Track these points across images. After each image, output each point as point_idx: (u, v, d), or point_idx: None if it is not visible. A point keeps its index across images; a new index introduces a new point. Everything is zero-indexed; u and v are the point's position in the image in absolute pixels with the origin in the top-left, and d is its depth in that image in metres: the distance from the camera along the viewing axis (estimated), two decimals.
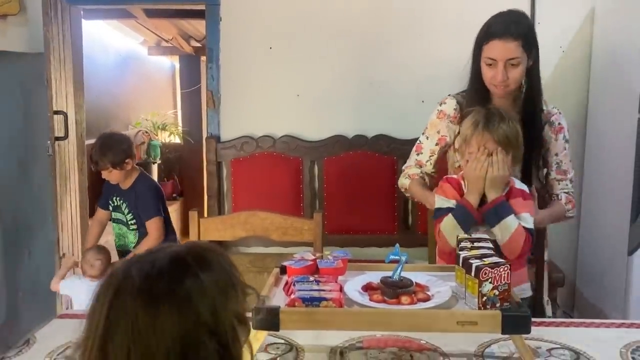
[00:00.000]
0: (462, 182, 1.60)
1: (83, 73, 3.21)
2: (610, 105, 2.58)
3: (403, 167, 1.94)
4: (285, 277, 1.29)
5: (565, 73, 2.84)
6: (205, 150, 2.97)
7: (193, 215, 1.83)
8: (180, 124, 5.84)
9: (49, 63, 2.84)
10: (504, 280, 1.09)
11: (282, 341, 1.34)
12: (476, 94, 1.78)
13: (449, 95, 1.88)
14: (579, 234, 2.85)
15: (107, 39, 4.84)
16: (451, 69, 2.88)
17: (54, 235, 2.92)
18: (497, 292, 1.09)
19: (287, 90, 2.92)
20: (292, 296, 1.14)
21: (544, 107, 1.81)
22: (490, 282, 1.09)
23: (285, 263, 1.30)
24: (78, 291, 2.26)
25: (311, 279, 1.20)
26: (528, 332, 1.10)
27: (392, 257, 1.22)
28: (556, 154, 1.81)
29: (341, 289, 1.18)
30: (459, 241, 1.27)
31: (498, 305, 1.10)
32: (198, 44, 5.36)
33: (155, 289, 0.66)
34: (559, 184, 1.82)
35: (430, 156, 1.87)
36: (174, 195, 5.42)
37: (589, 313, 2.66)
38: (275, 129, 2.93)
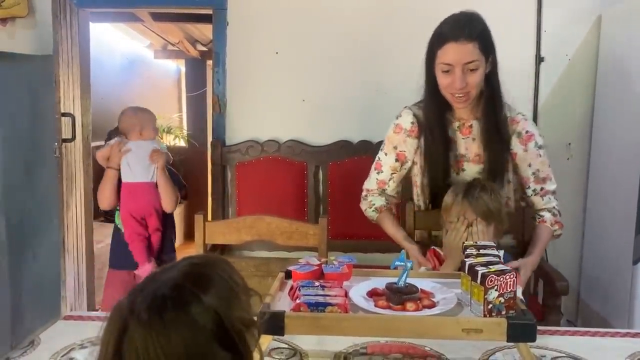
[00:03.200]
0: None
1: (90, 75, 3.22)
2: (616, 113, 2.57)
3: (364, 187, 1.85)
4: (290, 282, 1.29)
5: (571, 81, 2.84)
6: (210, 154, 2.97)
7: (199, 218, 1.83)
8: (185, 127, 5.87)
9: (57, 65, 2.85)
10: (509, 288, 1.09)
11: (286, 346, 1.34)
12: (433, 104, 1.68)
13: (405, 107, 1.80)
14: (583, 241, 2.85)
15: (113, 42, 4.87)
16: None
17: (59, 236, 2.93)
18: (502, 300, 1.09)
19: (293, 95, 2.92)
20: (298, 301, 1.14)
21: (508, 114, 1.68)
22: (496, 290, 1.08)
23: (291, 268, 1.30)
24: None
25: (316, 284, 1.19)
26: (533, 340, 1.09)
27: (397, 263, 1.22)
28: (529, 165, 1.69)
29: (346, 295, 1.18)
30: (465, 248, 1.27)
31: (503, 312, 1.09)
32: (204, 48, 5.39)
33: (161, 319, 0.68)
34: (542, 200, 1.72)
35: (392, 174, 1.80)
36: None
37: (593, 322, 2.65)
38: (281, 133, 2.93)
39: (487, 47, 1.58)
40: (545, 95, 2.85)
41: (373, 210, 1.82)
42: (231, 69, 2.94)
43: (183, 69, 6.15)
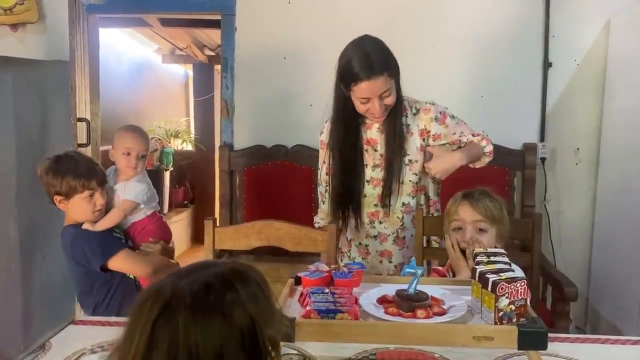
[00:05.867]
0: (447, 274, 1.58)
1: (99, 80, 3.24)
2: (624, 118, 2.56)
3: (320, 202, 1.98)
4: (300, 288, 1.29)
5: (580, 86, 2.83)
6: (218, 159, 2.98)
7: (208, 224, 1.83)
8: (192, 131, 5.89)
9: (73, 71, 2.87)
10: (520, 295, 1.09)
11: (295, 352, 1.34)
12: (347, 121, 1.77)
13: (327, 121, 1.89)
14: (592, 247, 2.83)
15: (121, 47, 4.89)
16: (464, 81, 2.91)
17: None
18: (513, 308, 1.08)
19: (300, 100, 2.93)
20: (308, 307, 1.14)
21: (417, 106, 1.80)
22: (506, 297, 1.08)
23: (300, 274, 1.30)
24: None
25: (326, 290, 1.20)
26: (545, 348, 1.09)
27: (407, 270, 1.22)
28: (454, 133, 1.78)
29: (356, 302, 1.18)
30: (475, 255, 1.27)
31: (514, 320, 1.09)
32: (212, 53, 5.41)
33: (204, 305, 0.68)
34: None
35: (326, 186, 1.91)
36: (185, 202, 5.46)
37: (602, 328, 2.64)
38: (288, 138, 2.94)
39: (394, 71, 1.69)
40: (553, 101, 2.85)
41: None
42: (239, 74, 2.96)
43: (191, 74, 6.17)
